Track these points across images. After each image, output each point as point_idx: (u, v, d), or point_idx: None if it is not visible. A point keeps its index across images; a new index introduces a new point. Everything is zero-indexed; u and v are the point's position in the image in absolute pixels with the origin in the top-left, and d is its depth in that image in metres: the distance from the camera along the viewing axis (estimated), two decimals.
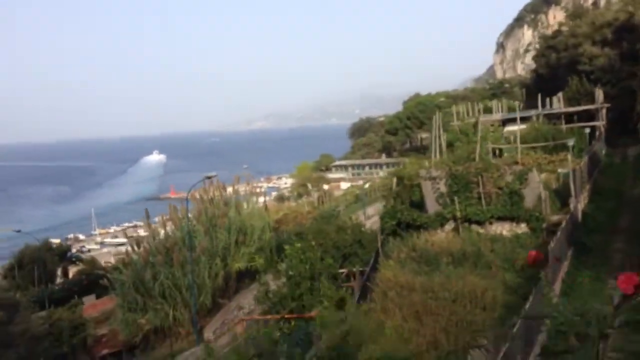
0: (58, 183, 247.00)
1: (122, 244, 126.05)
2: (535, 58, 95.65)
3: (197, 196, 36.90)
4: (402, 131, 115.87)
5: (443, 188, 24.64)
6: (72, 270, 62.47)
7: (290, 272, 20.55)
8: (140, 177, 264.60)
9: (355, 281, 21.46)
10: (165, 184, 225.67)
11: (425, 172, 25.24)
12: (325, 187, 67.62)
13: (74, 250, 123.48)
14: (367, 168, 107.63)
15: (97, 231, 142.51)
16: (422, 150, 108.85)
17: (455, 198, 24.05)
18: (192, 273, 30.03)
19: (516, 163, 25.41)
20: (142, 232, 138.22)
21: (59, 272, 58.82)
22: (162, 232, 35.55)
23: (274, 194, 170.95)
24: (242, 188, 41.95)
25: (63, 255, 60.96)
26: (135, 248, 34.18)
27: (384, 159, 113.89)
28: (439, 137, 35.67)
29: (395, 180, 28.04)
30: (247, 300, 34.11)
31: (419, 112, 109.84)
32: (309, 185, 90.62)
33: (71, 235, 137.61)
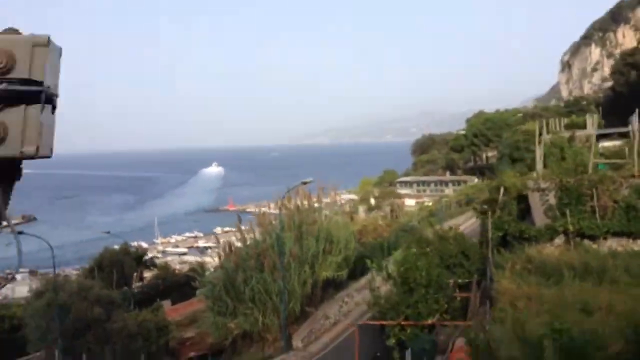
0: (124, 192, 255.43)
1: (183, 253, 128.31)
2: (612, 76, 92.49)
3: (283, 204, 37.08)
4: (467, 149, 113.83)
5: (552, 200, 23.71)
6: (147, 275, 63.93)
7: (398, 279, 20.11)
8: (200, 188, 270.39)
9: (472, 291, 20.80)
10: (223, 196, 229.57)
11: (534, 184, 24.35)
12: (397, 201, 67.00)
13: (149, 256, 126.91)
14: (432, 185, 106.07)
15: (159, 240, 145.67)
16: (487, 169, 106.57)
17: (567, 211, 23.08)
18: (283, 279, 29.97)
19: (632, 176, 24.17)
20: (201, 243, 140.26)
21: (135, 276, 60.24)
22: (248, 238, 35.76)
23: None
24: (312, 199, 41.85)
25: (139, 259, 62.42)
26: (221, 253, 34.50)
27: (448, 176, 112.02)
28: (540, 148, 34.43)
29: (502, 190, 27.19)
30: (332, 310, 33.80)
31: (487, 129, 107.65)
32: (372, 200, 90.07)
33: (135, 243, 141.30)
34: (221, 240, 38.72)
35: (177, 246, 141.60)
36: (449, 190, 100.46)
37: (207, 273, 61.53)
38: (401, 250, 22.89)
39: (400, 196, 76.76)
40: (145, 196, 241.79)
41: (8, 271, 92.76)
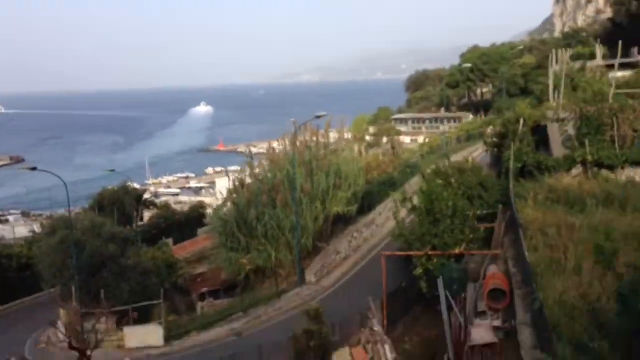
0: (111, 132, 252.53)
1: (176, 194, 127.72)
2: (613, 6, 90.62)
3: (289, 141, 36.73)
4: (463, 84, 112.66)
5: (571, 130, 23.55)
6: (146, 215, 63.90)
7: (424, 210, 20.11)
8: (189, 128, 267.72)
9: (497, 221, 20.89)
10: (214, 136, 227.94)
11: (553, 114, 24.08)
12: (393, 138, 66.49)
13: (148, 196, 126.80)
14: (427, 122, 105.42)
15: (151, 181, 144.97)
16: (482, 105, 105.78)
17: (586, 141, 22.99)
18: (296, 215, 30.02)
19: None
20: (193, 183, 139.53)
21: (136, 215, 60.24)
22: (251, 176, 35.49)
23: None
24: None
25: (139, 199, 62.18)
26: (230, 190, 34.34)
27: (443, 113, 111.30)
28: (558, 79, 33.83)
29: (522, 121, 26.83)
30: (342, 245, 34.14)
31: (483, 64, 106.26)
32: (367, 138, 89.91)
33: (128, 184, 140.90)
34: (232, 177, 38.42)
35: (169, 187, 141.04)
36: (444, 127, 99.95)
37: (208, 212, 61.81)
38: (421, 182, 22.81)
39: (399, 133, 76.28)
40: (135, 137, 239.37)
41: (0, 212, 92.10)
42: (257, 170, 34.21)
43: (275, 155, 34.11)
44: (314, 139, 35.10)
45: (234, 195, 32.43)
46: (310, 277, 30.73)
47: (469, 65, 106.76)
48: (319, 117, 31.18)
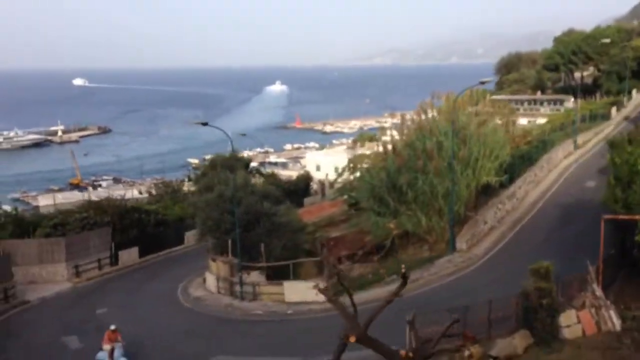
0: (190, 107, 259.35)
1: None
2: None
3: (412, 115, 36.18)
4: (563, 67, 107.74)
5: None
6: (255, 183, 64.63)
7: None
8: (265, 105, 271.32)
9: None
10: (290, 114, 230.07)
11: None
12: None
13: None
14: (524, 104, 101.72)
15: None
16: (582, 89, 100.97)
17: None
18: (453, 181, 29.34)
19: None
20: (272, 158, 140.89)
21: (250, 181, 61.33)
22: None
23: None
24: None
25: (246, 166, 63.17)
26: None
27: (541, 95, 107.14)
28: None
29: None
30: (489, 215, 33.24)
31: (587, 45, 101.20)
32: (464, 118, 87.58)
33: (208, 156, 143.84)
34: (381, 139, 38.05)
35: (250, 160, 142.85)
36: (544, 109, 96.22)
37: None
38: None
39: (513, 112, 73.68)
40: (213, 112, 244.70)
41: (93, 178, 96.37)
42: (402, 138, 33.60)
43: (422, 122, 33.36)
44: (463, 109, 34.06)
45: (387, 161, 31.94)
46: (461, 244, 30.04)
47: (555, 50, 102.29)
48: (483, 82, 30.18)
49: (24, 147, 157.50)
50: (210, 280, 30.64)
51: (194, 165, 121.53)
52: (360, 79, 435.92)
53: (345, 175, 46.84)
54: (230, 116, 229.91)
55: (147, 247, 39.49)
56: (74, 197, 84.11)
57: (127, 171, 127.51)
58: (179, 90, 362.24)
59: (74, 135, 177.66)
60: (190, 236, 43.54)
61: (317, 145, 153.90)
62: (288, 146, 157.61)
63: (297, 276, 29.39)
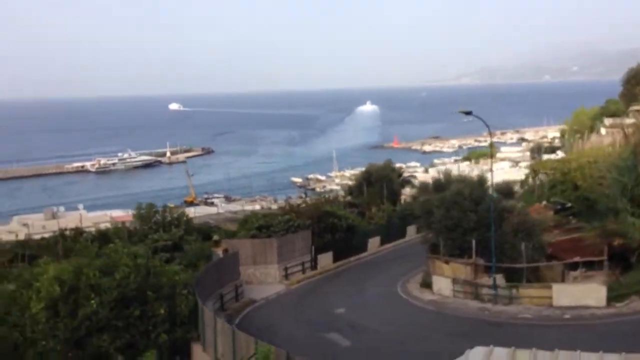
0: (282, 128, 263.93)
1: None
2: None
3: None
4: None
5: None
6: (404, 194, 63.21)
7: None
8: (358, 126, 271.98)
9: None
10: (385, 134, 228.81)
11: None
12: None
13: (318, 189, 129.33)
14: None
15: (334, 173, 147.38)
16: None
17: None
18: None
19: None
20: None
21: (403, 191, 60.05)
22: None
23: (503, 148, 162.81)
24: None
25: (399, 176, 61.98)
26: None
27: None
28: None
29: None
30: None
31: None
32: (603, 131, 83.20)
33: (311, 175, 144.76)
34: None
35: (351, 179, 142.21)
36: None
37: None
38: None
39: None
40: (308, 132, 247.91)
41: (206, 195, 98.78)
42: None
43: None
44: None
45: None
46: None
47: None
48: None
49: (136, 168, 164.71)
50: (442, 283, 29.02)
51: (334, 175, 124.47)
52: (450, 99, 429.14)
53: (530, 182, 44.41)
54: (326, 136, 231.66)
55: (339, 251, 38.68)
56: (205, 212, 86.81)
57: (235, 189, 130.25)
58: (269, 113, 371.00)
59: (181, 156, 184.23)
60: (373, 242, 42.50)
61: (418, 165, 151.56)
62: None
63: (535, 280, 27.34)
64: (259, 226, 36.19)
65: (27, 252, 37.61)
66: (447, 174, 34.12)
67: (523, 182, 46.64)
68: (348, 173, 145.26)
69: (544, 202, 39.68)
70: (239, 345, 17.61)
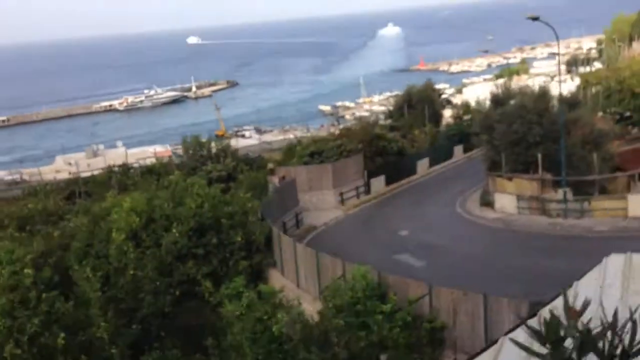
0: (307, 56, 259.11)
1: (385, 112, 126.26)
2: None
3: None
4: None
5: None
6: (446, 114, 61.75)
7: None
8: (382, 49, 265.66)
9: None
10: (410, 56, 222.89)
11: None
12: None
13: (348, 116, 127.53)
14: None
15: (362, 99, 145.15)
16: None
17: None
18: None
19: None
20: None
21: (443, 113, 58.79)
22: None
23: (535, 63, 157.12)
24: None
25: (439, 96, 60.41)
26: None
27: None
28: None
29: None
30: None
31: None
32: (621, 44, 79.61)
33: (339, 103, 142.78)
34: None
35: (383, 104, 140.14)
36: None
37: None
38: None
39: None
40: (331, 59, 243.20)
41: (236, 128, 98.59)
42: None
43: None
44: None
45: None
46: None
47: None
48: None
49: (163, 104, 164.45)
50: (505, 200, 28.54)
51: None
52: (474, 16, 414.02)
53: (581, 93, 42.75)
54: (350, 62, 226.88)
55: (390, 175, 38.28)
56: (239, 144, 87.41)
57: (264, 121, 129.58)
58: (289, 42, 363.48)
59: (206, 91, 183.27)
60: (422, 165, 41.95)
61: (447, 86, 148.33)
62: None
63: (601, 192, 26.64)
64: (311, 152, 35.81)
65: (81, 189, 38.02)
66: (507, 87, 32.82)
67: (573, 94, 44.98)
68: (376, 98, 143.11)
69: (600, 113, 38.37)
70: (323, 267, 17.57)
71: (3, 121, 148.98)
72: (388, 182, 38.33)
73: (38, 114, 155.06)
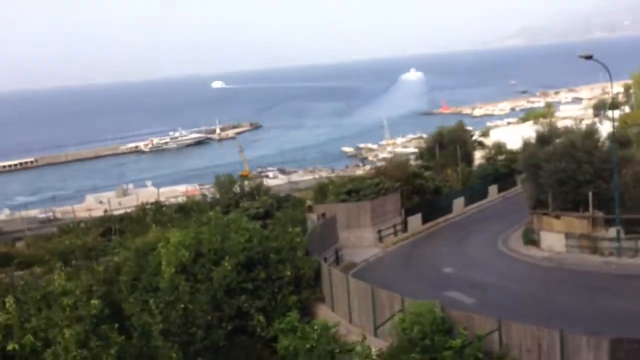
0: (329, 100, 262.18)
1: (413, 153, 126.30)
2: None
3: None
4: None
5: None
6: (477, 155, 61.29)
7: None
8: (404, 93, 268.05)
9: None
10: (433, 100, 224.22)
11: None
12: None
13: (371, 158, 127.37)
14: None
15: (386, 141, 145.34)
16: None
17: None
18: None
19: None
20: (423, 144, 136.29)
21: (475, 153, 58.30)
22: None
23: (562, 107, 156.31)
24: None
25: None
26: None
27: None
28: None
29: None
30: None
31: None
32: None
33: (362, 145, 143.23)
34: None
35: (406, 146, 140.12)
36: None
37: None
38: None
39: None
40: (354, 102, 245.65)
41: (260, 169, 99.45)
42: None
43: None
44: None
45: None
46: None
47: None
48: None
49: (188, 146, 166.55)
50: (553, 239, 27.78)
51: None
52: (497, 62, 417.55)
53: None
54: (372, 106, 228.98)
55: (426, 214, 37.75)
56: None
57: (288, 162, 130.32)
58: (312, 85, 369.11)
59: (230, 133, 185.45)
60: (457, 203, 41.37)
61: (471, 128, 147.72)
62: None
63: None
64: (348, 190, 35.51)
65: (117, 225, 38.08)
66: (552, 126, 32.40)
67: (623, 133, 44.50)
68: (399, 140, 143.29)
69: None
70: (379, 302, 17.00)
71: (31, 162, 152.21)
72: (424, 220, 37.77)
73: (66, 155, 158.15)
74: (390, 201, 35.11)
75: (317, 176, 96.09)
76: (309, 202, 33.22)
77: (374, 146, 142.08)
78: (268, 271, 19.84)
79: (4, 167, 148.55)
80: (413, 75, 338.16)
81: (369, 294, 17.45)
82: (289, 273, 19.77)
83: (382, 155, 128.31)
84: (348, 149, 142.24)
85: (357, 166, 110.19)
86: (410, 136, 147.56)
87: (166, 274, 18.24)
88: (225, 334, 17.49)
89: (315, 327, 15.71)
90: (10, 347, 11.34)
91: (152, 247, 21.42)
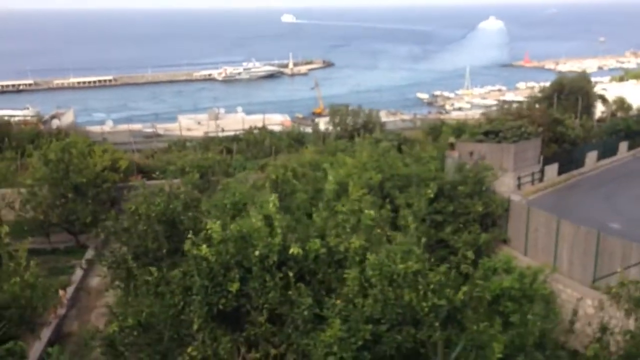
0: (403, 43, 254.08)
1: (491, 106, 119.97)
2: None
3: None
4: None
5: None
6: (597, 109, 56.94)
7: None
8: (483, 42, 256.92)
9: None
10: (513, 52, 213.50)
11: None
12: None
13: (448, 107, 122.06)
14: None
15: (462, 91, 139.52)
16: None
17: None
18: None
19: None
20: (508, 97, 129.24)
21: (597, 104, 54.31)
22: None
23: None
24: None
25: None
26: None
27: None
28: None
29: None
30: None
31: None
32: None
33: (438, 92, 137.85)
34: None
35: (485, 97, 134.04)
36: None
37: None
38: None
39: None
40: (430, 47, 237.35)
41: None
42: None
43: None
44: None
45: None
46: None
47: None
48: None
49: (260, 78, 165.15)
50: None
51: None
52: (583, 16, 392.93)
53: None
54: (449, 53, 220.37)
55: (562, 164, 34.99)
56: None
57: (363, 103, 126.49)
58: (382, 27, 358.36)
59: (302, 68, 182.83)
60: (590, 157, 38.33)
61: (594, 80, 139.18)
62: (522, 84, 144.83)
63: None
64: (486, 131, 33.10)
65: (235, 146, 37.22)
66: None
67: None
68: (477, 91, 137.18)
69: None
70: (605, 251, 15.04)
71: (110, 80, 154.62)
72: (560, 171, 35.15)
73: (144, 76, 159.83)
74: (532, 147, 32.57)
75: (398, 119, 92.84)
76: (451, 139, 31.14)
77: (451, 95, 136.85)
78: (454, 204, 18.09)
79: (82, 82, 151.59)
80: (492, 24, 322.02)
81: (592, 239, 15.49)
82: (480, 209, 17.96)
83: (458, 104, 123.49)
84: (423, 96, 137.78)
85: (440, 113, 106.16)
86: (489, 88, 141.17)
87: (352, 195, 16.70)
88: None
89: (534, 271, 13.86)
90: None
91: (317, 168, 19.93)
